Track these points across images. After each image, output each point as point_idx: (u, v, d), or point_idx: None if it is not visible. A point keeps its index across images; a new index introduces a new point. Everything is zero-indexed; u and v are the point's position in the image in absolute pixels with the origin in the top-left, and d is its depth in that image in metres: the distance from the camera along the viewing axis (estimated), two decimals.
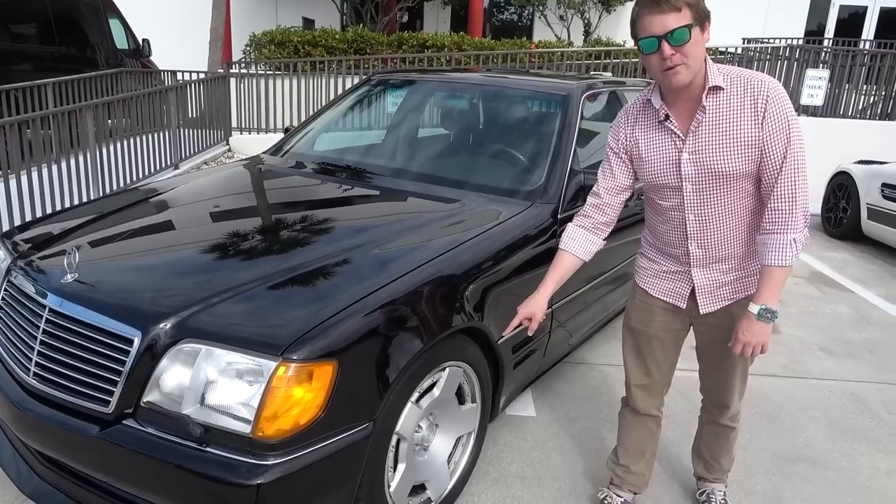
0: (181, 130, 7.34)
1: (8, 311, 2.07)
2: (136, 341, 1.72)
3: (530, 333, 2.00)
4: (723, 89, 1.74)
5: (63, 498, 1.89)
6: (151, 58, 10.87)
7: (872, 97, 8.75)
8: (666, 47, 1.64)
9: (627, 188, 1.99)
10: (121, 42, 10.12)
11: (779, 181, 1.71)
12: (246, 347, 1.65)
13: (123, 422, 1.72)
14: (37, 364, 1.87)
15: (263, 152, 3.43)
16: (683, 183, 1.82)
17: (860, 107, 8.88)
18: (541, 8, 11.73)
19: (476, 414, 2.27)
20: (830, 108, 8.86)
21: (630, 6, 11.53)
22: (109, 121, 6.12)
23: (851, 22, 14.87)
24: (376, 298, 1.83)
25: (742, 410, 2.17)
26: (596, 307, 3.10)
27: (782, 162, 1.70)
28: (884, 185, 5.83)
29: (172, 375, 1.70)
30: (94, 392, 1.75)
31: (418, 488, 2.10)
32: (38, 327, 1.89)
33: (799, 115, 8.66)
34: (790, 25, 14.44)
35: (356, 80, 8.97)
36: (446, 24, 14.57)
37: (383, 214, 2.48)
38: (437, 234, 2.26)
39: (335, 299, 1.79)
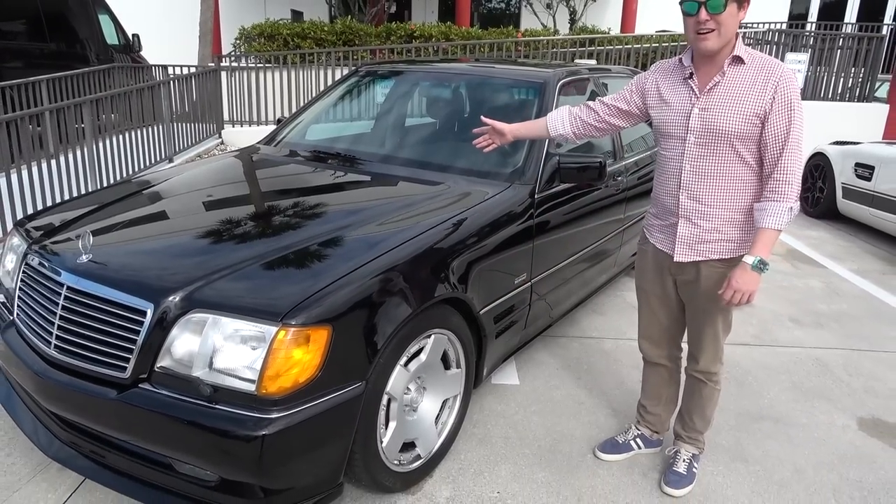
0: (174, 124, 7.47)
1: (27, 290, 2.24)
2: (149, 313, 1.90)
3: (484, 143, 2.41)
4: (744, 63, 1.99)
5: (83, 460, 2.08)
6: (142, 53, 10.96)
7: (850, 79, 8.95)
8: (703, 12, 1.89)
9: (620, 116, 2.32)
10: (111, 37, 10.20)
11: (781, 158, 1.94)
12: (249, 315, 1.83)
13: (139, 385, 1.90)
14: (57, 337, 2.05)
15: (258, 142, 3.60)
16: (689, 135, 2.07)
17: (839, 90, 9.07)
18: None
19: (461, 379, 2.47)
20: (811, 91, 9.06)
21: None
22: (103, 116, 6.25)
23: (834, 6, 15.05)
24: (366, 270, 2.01)
25: (720, 376, 2.36)
26: (574, 283, 3.29)
27: (785, 141, 1.94)
28: (857, 164, 6.04)
29: (183, 343, 1.88)
30: (111, 360, 1.94)
31: (409, 446, 2.30)
32: (56, 304, 2.07)
33: None
34: (774, 10, 14.61)
35: (345, 72, 9.11)
36: (434, 15, 14.68)
37: (373, 197, 2.67)
38: (422, 213, 2.44)
39: (328, 272, 1.98)
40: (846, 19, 14.83)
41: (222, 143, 8.69)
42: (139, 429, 1.89)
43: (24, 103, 6.95)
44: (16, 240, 2.51)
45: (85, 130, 5.68)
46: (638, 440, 2.58)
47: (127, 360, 1.91)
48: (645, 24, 12.91)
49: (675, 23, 11.59)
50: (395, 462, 2.22)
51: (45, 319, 2.11)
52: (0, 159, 4.66)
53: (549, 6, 11.73)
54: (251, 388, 1.80)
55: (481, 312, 2.47)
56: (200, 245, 2.19)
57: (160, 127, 7.22)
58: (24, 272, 2.29)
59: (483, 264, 2.45)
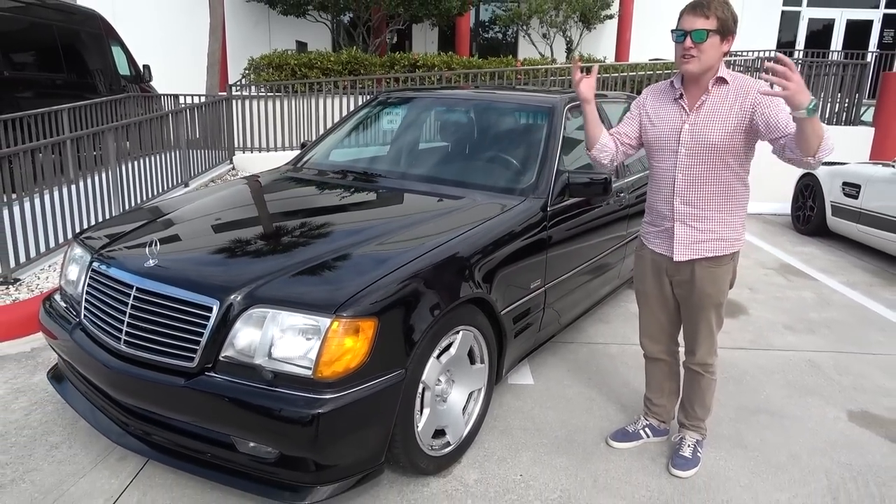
0: (189, 151, 7.76)
1: (95, 294, 2.48)
2: (215, 309, 2.15)
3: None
4: (727, 83, 2.27)
5: (148, 445, 2.31)
6: (152, 83, 11.33)
7: (837, 104, 9.32)
8: (688, 41, 2.21)
9: (629, 138, 2.56)
10: (123, 68, 10.56)
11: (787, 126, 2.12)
12: (306, 309, 2.08)
13: (205, 373, 2.14)
14: (126, 333, 2.29)
15: (286, 164, 3.88)
16: (680, 147, 2.34)
17: (828, 114, 9.43)
18: (525, 27, 12.29)
19: (485, 373, 2.71)
20: None
21: (609, 24, 12.12)
22: (126, 143, 6.54)
23: (820, 34, 15.59)
24: (405, 271, 2.27)
25: (715, 367, 2.58)
26: (580, 293, 3.53)
27: (787, 120, 2.12)
28: (844, 183, 6.35)
29: (245, 335, 2.13)
30: (179, 351, 2.18)
31: (439, 433, 2.53)
32: (126, 304, 2.32)
33: None
34: (763, 38, 15.12)
35: (351, 100, 9.45)
36: (434, 45, 15.12)
37: (404, 209, 2.94)
38: (449, 222, 2.71)
39: (372, 272, 2.23)
40: (832, 47, 15.35)
41: (233, 168, 8.98)
42: (206, 412, 2.12)
43: (46, 132, 7.24)
44: (78, 251, 2.76)
45: (108, 156, 5.95)
46: (647, 429, 2.81)
47: (194, 350, 2.15)
48: (638, 53, 13.36)
49: (666, 51, 12.03)
50: (429, 447, 2.45)
51: (114, 318, 2.36)
52: (25, 185, 4.91)
53: (545, 36, 12.16)
54: (308, 372, 2.04)
55: (502, 313, 2.72)
56: (255, 250, 2.45)
57: (176, 153, 7.50)
58: (91, 278, 2.53)
59: (503, 269, 2.71)
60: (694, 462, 2.62)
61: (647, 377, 2.84)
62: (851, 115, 9.32)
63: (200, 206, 3.06)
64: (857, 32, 15.34)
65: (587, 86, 2.47)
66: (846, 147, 8.73)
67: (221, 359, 2.14)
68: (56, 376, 2.85)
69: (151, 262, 2.36)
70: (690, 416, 2.69)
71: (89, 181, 5.54)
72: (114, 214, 5.79)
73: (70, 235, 5.08)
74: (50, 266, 4.75)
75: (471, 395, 2.68)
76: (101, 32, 10.02)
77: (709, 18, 2.18)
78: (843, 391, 3.37)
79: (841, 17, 15.43)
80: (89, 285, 2.54)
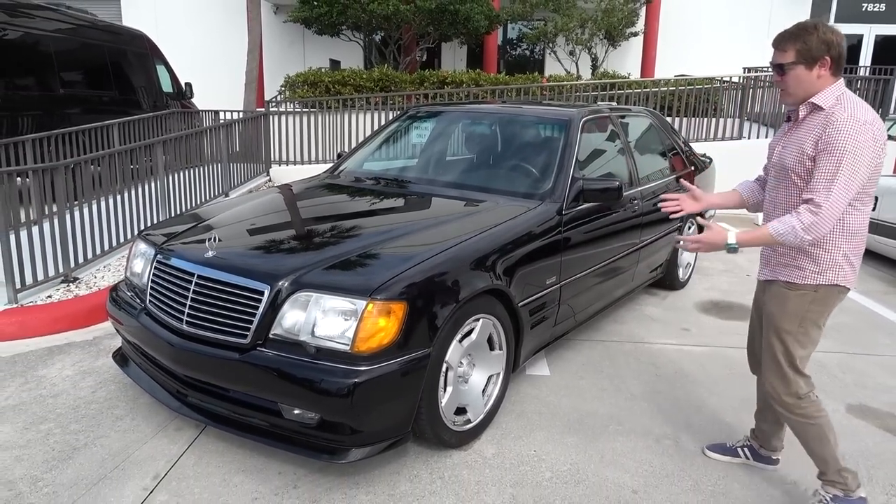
0: (230, 164, 8.21)
1: (159, 282, 2.83)
2: (266, 293, 2.47)
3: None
4: (823, 110, 2.17)
5: (197, 414, 2.64)
6: (192, 99, 11.90)
7: None
8: (775, 74, 2.25)
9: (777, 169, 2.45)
10: (167, 86, 11.14)
11: (815, 190, 2.11)
12: (345, 293, 2.39)
13: (257, 348, 2.46)
14: (188, 314, 2.62)
15: (324, 172, 4.22)
16: (771, 169, 2.38)
17: None
18: (551, 45, 12.62)
19: (503, 359, 2.98)
20: None
21: (634, 41, 12.37)
22: (164, 156, 6.98)
23: (850, 49, 15.60)
24: (432, 262, 2.57)
25: (802, 410, 2.32)
26: (593, 293, 3.78)
27: (822, 177, 2.09)
28: None
29: (292, 315, 2.44)
30: (234, 329, 2.50)
31: (461, 411, 2.81)
32: (188, 289, 2.66)
33: None
34: None
35: (382, 115, 9.85)
36: (462, 62, 15.54)
37: (430, 210, 3.25)
38: (473, 222, 3.01)
39: (403, 262, 2.54)
40: (861, 62, 15.37)
41: (270, 180, 9.42)
42: (258, 381, 2.43)
43: (96, 145, 7.75)
44: (142, 246, 3.12)
45: (157, 167, 6.39)
46: (746, 449, 2.75)
47: (247, 329, 2.48)
48: (663, 70, 13.58)
49: (691, 68, 12.25)
50: (451, 422, 2.73)
51: (177, 302, 2.70)
52: (82, 192, 5.34)
53: (571, 53, 12.46)
54: (346, 348, 2.35)
55: (520, 305, 3.00)
56: (299, 244, 2.78)
57: (218, 166, 7.95)
58: (156, 269, 2.88)
59: (520, 265, 3.00)
60: None
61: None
62: None
63: (248, 208, 3.41)
64: (887, 48, 15.34)
65: (694, 205, 2.51)
66: None
67: (271, 336, 2.46)
68: (120, 358, 3.21)
69: (210, 254, 2.70)
70: (763, 440, 2.68)
71: (139, 190, 5.98)
72: (161, 219, 6.22)
73: (122, 240, 5.50)
74: (105, 266, 5.15)
75: (490, 378, 2.95)
76: (147, 52, 10.61)
77: (786, 52, 2.17)
78: (845, 387, 3.56)
79: (870, 33, 15.46)
80: (154, 275, 2.89)
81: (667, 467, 2.73)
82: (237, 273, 2.57)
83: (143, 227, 5.88)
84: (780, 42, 2.20)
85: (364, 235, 2.83)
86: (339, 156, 4.50)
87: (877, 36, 15.43)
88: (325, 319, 2.40)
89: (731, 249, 2.23)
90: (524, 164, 3.72)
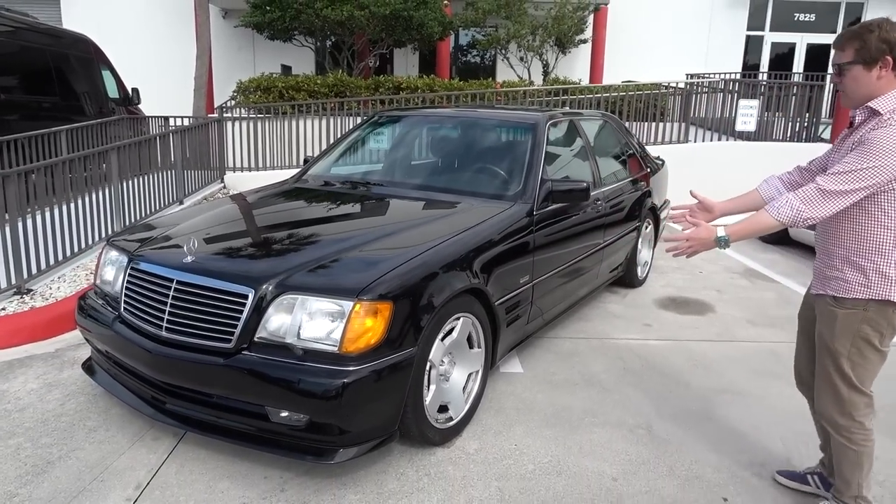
0: (184, 171, 8.04)
1: (134, 289, 2.79)
2: (250, 297, 2.47)
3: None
4: (881, 115, 2.05)
5: (177, 420, 2.61)
6: (139, 105, 11.59)
7: (798, 123, 9.91)
8: (835, 75, 2.17)
9: (815, 167, 2.43)
10: (112, 91, 10.82)
11: (827, 173, 2.04)
12: (331, 294, 2.41)
13: (242, 352, 2.45)
14: (168, 320, 2.59)
15: (291, 177, 4.21)
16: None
17: (788, 133, 10.02)
18: (503, 51, 12.81)
19: (482, 357, 3.05)
20: (764, 133, 9.99)
21: (584, 48, 12.64)
22: (104, 165, 6.76)
23: (783, 57, 16.38)
24: (415, 263, 2.62)
25: (852, 433, 2.23)
26: (561, 292, 3.88)
27: (841, 164, 2.02)
28: None
29: (277, 318, 2.45)
30: (218, 334, 2.49)
31: (443, 409, 2.85)
32: (167, 295, 2.63)
33: (735, 140, 9.78)
34: (731, 61, 15.87)
35: (339, 121, 9.82)
36: (415, 68, 15.60)
37: (408, 212, 3.29)
38: (451, 223, 3.07)
39: (387, 263, 2.58)
40: (794, 69, 16.14)
41: (224, 187, 9.26)
42: (244, 385, 2.43)
43: (39, 153, 7.47)
44: (113, 253, 3.06)
45: (111, 175, 6.22)
46: (815, 477, 2.59)
47: (232, 333, 2.47)
48: (611, 76, 13.96)
49: (637, 74, 12.64)
50: (435, 420, 2.77)
51: (155, 308, 2.66)
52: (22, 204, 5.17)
53: (523, 59, 12.68)
54: (334, 348, 2.37)
55: (497, 303, 3.07)
56: (280, 248, 2.78)
57: (171, 173, 7.78)
58: (130, 276, 2.83)
59: (497, 264, 3.07)
60: None
61: None
62: (811, 133, 9.91)
63: (219, 214, 3.38)
64: (817, 55, 16.15)
65: (705, 217, 2.42)
66: (806, 162, 9.28)
67: (256, 340, 2.46)
68: (90, 368, 3.14)
69: (189, 259, 2.67)
70: (831, 474, 2.47)
71: (92, 198, 5.81)
72: (116, 230, 6.05)
73: (76, 249, 5.34)
74: (60, 277, 4.99)
75: (470, 375, 3.01)
76: (92, 56, 10.29)
77: (844, 51, 2.09)
78: None
79: (802, 41, 16.24)
80: (128, 282, 2.84)
81: (642, 455, 2.84)
82: (219, 277, 2.55)
83: (102, 236, 5.74)
84: (840, 41, 2.11)
85: (344, 238, 2.85)
86: (305, 161, 4.50)
87: (808, 44, 16.22)
88: (312, 321, 2.42)
89: (723, 242, 2.15)
90: (495, 167, 3.80)
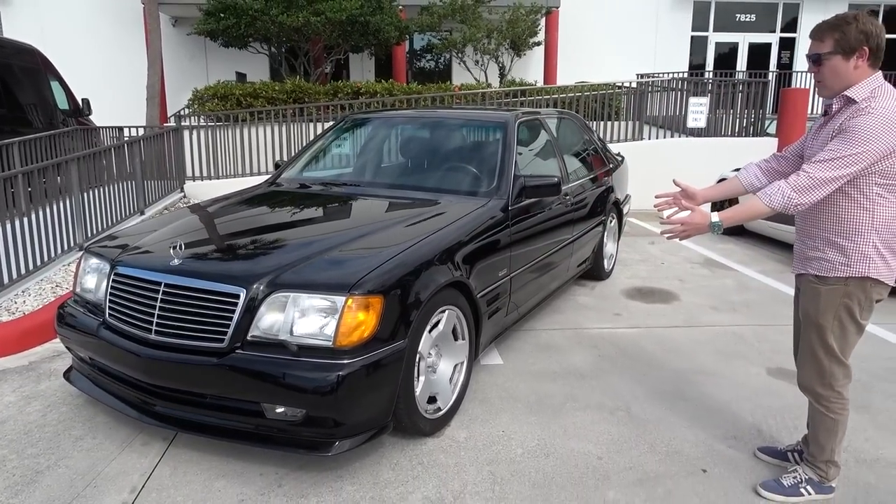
0: (143, 181, 7.91)
1: (119, 294, 2.78)
2: (242, 296, 2.50)
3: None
4: (856, 103, 2.16)
5: (168, 423, 2.62)
6: (91, 116, 11.32)
7: (744, 119, 10.33)
8: (810, 64, 2.24)
9: (790, 154, 2.52)
10: (61, 103, 10.55)
11: (811, 161, 2.14)
12: (323, 291, 2.47)
13: (235, 351, 2.48)
14: (157, 323, 2.60)
15: (265, 181, 4.23)
16: (804, 163, 2.28)
17: (736, 128, 10.42)
18: (459, 54, 12.96)
19: (466, 348, 3.13)
20: (714, 129, 10.38)
21: (538, 51, 12.88)
22: (60, 177, 6.61)
23: (727, 56, 16.99)
24: (403, 258, 2.70)
25: (831, 402, 2.36)
26: (535, 285, 4.01)
27: (828, 147, 2.12)
28: None
29: (269, 316, 2.49)
30: (210, 335, 2.51)
31: (432, 399, 2.93)
32: (155, 298, 2.64)
33: (687, 137, 10.12)
34: (677, 61, 16.38)
35: (300, 127, 9.79)
36: (371, 73, 15.63)
37: (388, 210, 3.36)
38: (433, 220, 3.16)
39: (375, 259, 2.64)
40: (738, 67, 16.75)
41: (185, 196, 9.13)
42: (239, 383, 2.46)
43: None
44: (93, 261, 3.05)
45: (71, 186, 6.09)
46: (796, 454, 2.68)
47: (224, 333, 2.50)
48: (565, 77, 14.26)
49: (589, 75, 12.95)
50: (425, 410, 2.84)
51: (143, 312, 2.67)
52: None
53: (478, 62, 12.85)
54: (329, 343, 2.42)
55: (479, 296, 3.16)
56: (267, 248, 2.82)
57: (131, 183, 7.64)
58: (114, 281, 2.83)
59: (477, 257, 3.17)
60: (785, 492, 2.48)
61: None
62: (757, 128, 10.34)
63: (198, 219, 3.39)
64: (759, 54, 16.81)
65: (687, 204, 2.46)
66: (754, 156, 9.61)
67: (249, 338, 2.49)
68: (72, 377, 3.11)
69: (177, 262, 2.69)
70: (807, 446, 2.56)
71: (51, 210, 5.68)
72: (78, 241, 5.93)
73: (38, 262, 5.22)
74: (24, 290, 4.88)
75: (455, 366, 3.10)
76: (39, 67, 10.01)
77: (824, 41, 2.17)
78: (763, 354, 3.97)
79: (744, 41, 16.88)
80: (112, 288, 2.83)
81: (623, 434, 2.97)
82: (209, 279, 2.58)
83: (65, 248, 5.63)
84: (818, 32, 2.18)
85: (330, 236, 2.91)
86: (276, 165, 4.52)
87: (750, 44, 16.87)
88: (305, 318, 2.47)
89: (716, 228, 2.22)
90: (470, 165, 3.90)
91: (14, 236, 5.00)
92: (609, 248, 5.62)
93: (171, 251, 2.73)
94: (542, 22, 13.53)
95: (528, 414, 3.15)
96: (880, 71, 2.20)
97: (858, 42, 2.14)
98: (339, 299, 2.44)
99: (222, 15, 11.02)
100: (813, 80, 2.34)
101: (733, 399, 3.34)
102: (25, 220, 5.30)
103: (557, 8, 14.54)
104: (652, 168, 8.80)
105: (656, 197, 2.62)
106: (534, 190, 3.63)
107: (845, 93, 2.20)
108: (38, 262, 5.25)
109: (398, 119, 4.46)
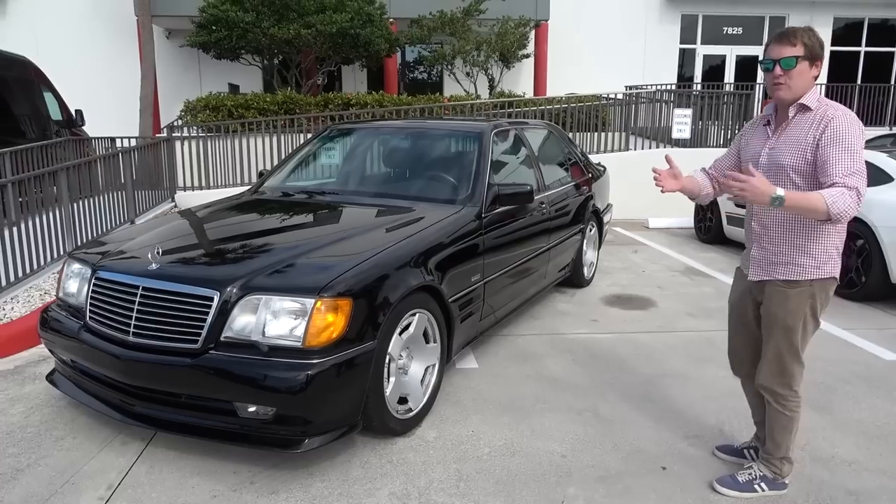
0: (134, 191, 8.01)
1: (100, 298, 2.87)
2: (216, 299, 2.60)
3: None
4: (811, 110, 2.27)
5: (146, 423, 2.71)
6: (84, 127, 11.43)
7: (729, 130, 10.49)
8: (777, 68, 2.25)
9: (727, 168, 2.62)
10: (55, 114, 10.66)
11: (835, 170, 2.15)
12: (294, 293, 2.57)
13: (209, 352, 2.58)
14: (135, 326, 2.69)
15: (247, 189, 4.34)
16: (759, 170, 2.25)
17: (722, 139, 10.58)
18: (449, 66, 13.13)
19: (437, 351, 3.23)
20: (699, 140, 10.53)
21: (527, 63, 13.05)
22: (52, 188, 6.70)
23: (715, 69, 17.21)
24: (372, 262, 2.80)
25: (788, 401, 2.46)
26: (510, 291, 4.10)
27: (836, 160, 2.16)
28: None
29: (242, 318, 2.59)
30: (185, 336, 2.61)
31: (403, 400, 3.02)
32: (133, 301, 2.73)
33: (672, 147, 10.27)
34: (665, 73, 16.58)
35: (290, 138, 9.91)
36: (363, 85, 15.78)
37: (364, 217, 3.47)
38: (404, 226, 3.26)
39: (346, 263, 2.75)
40: (726, 80, 16.97)
41: (175, 206, 9.22)
42: (212, 383, 2.55)
43: None
44: (76, 266, 3.14)
45: (61, 196, 6.19)
46: (752, 451, 2.78)
47: (198, 334, 2.59)
48: (555, 89, 14.43)
49: (578, 87, 13.12)
50: (395, 411, 2.93)
51: (122, 315, 2.76)
52: None
53: (469, 74, 13.01)
54: (298, 343, 2.52)
55: (450, 300, 3.26)
56: (242, 253, 2.93)
57: (121, 193, 7.74)
58: (95, 285, 2.92)
59: (450, 263, 3.27)
60: (739, 487, 2.57)
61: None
62: None
63: (179, 225, 3.49)
64: (746, 66, 17.02)
65: (672, 183, 2.50)
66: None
67: (222, 339, 2.59)
68: (54, 380, 3.19)
69: (154, 266, 2.78)
70: (764, 444, 2.63)
71: (42, 219, 5.77)
72: (69, 250, 6.02)
73: (28, 270, 5.31)
74: (13, 297, 4.96)
75: (427, 369, 3.19)
76: (32, 78, 10.12)
77: (795, 46, 2.22)
78: None
79: (731, 54, 17.10)
80: (93, 292, 2.92)
81: (589, 434, 3.06)
82: (184, 282, 2.67)
83: (55, 256, 5.71)
84: (788, 36, 2.23)
85: (303, 242, 3.01)
86: (259, 174, 4.62)
87: (737, 56, 17.09)
88: (276, 320, 2.56)
89: (778, 201, 2.10)
90: (445, 174, 4.02)
91: (4, 245, 5.10)
92: (589, 255, 5.72)
93: (150, 256, 2.83)
94: (532, 34, 13.73)
95: (498, 415, 3.24)
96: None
97: (819, 53, 2.26)
98: (309, 301, 2.54)
99: (214, 27, 11.17)
100: (768, 84, 2.31)
101: (699, 400, 3.44)
102: (15, 229, 5.39)
103: (547, 21, 14.73)
104: (639, 177, 8.91)
105: (653, 170, 2.57)
106: (508, 198, 3.74)
107: (801, 101, 2.30)
108: (28, 270, 5.33)
109: (379, 129, 4.58)
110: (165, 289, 2.68)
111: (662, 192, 2.53)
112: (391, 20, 12.91)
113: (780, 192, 2.09)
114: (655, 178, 2.51)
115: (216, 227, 3.39)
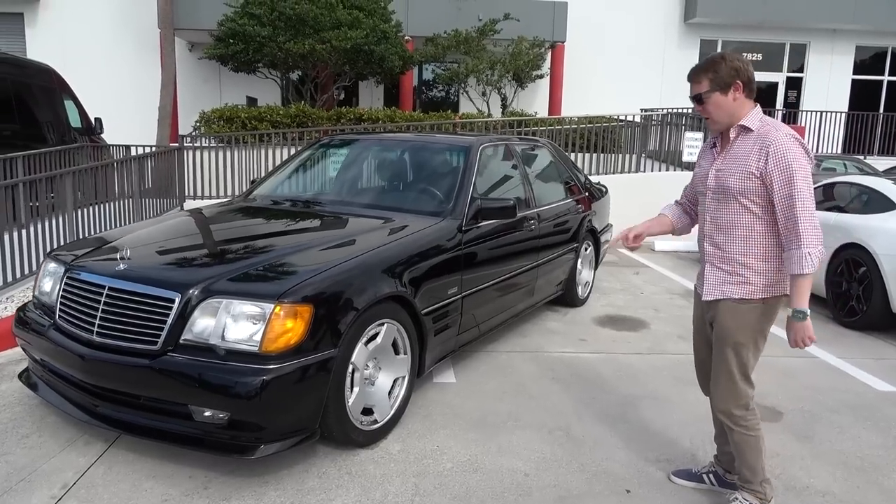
0: (142, 199, 8.12)
1: (69, 297, 2.89)
2: (177, 301, 2.60)
3: (627, 245, 2.52)
4: (752, 131, 2.32)
5: (108, 423, 2.70)
6: (102, 135, 11.66)
7: None
8: (695, 105, 2.41)
9: (692, 195, 2.68)
10: (74, 121, 10.89)
11: (788, 213, 2.23)
12: (254, 298, 2.56)
13: (167, 354, 2.57)
14: (99, 325, 2.70)
15: (237, 196, 4.36)
16: (707, 191, 2.42)
17: None
18: (463, 85, 13.20)
19: (408, 363, 3.19)
20: None
21: (541, 83, 13.05)
22: (52, 195, 6.80)
23: None
24: (337, 270, 2.78)
25: (747, 422, 2.43)
26: (495, 305, 4.06)
27: (788, 198, 2.22)
28: None
29: (202, 321, 2.58)
30: (145, 337, 2.61)
31: (368, 412, 2.98)
32: (99, 301, 2.74)
33: (682, 170, 10.18)
34: (682, 98, 16.49)
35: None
36: (380, 101, 15.92)
37: (340, 226, 3.46)
38: (379, 235, 3.25)
39: (309, 269, 2.74)
40: None
41: None
42: (168, 385, 2.54)
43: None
44: (52, 265, 3.17)
45: (66, 201, 6.29)
46: (711, 476, 2.74)
47: (158, 336, 2.59)
48: (570, 109, 14.42)
49: (594, 108, 13.09)
50: (359, 421, 2.90)
51: (87, 315, 2.77)
52: None
53: (483, 94, 13.07)
54: (255, 348, 2.51)
55: (423, 312, 3.23)
56: (208, 257, 2.94)
57: (129, 200, 7.85)
58: (66, 285, 2.94)
59: (423, 275, 3.24)
60: None
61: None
62: None
63: (159, 229, 3.52)
64: (767, 93, 16.89)
65: (637, 241, 2.61)
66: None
67: (181, 342, 2.58)
68: (27, 379, 3.21)
69: (121, 267, 2.80)
70: (738, 473, 2.56)
71: (46, 224, 5.87)
72: None
73: (27, 272, 5.39)
74: (8, 297, 5.03)
75: (396, 381, 3.15)
76: (55, 86, 10.37)
77: (701, 82, 2.34)
78: None
79: None
80: (64, 291, 2.94)
81: (556, 454, 3.00)
82: (147, 283, 2.68)
83: None
84: (695, 75, 2.37)
85: (274, 249, 3.01)
86: (252, 182, 4.66)
87: (757, 82, 16.95)
88: (236, 324, 2.55)
89: (801, 315, 2.26)
90: (428, 186, 4.01)
91: (3, 247, 5.19)
92: (584, 275, 5.66)
93: (118, 257, 2.84)
94: (548, 55, 13.77)
95: (467, 431, 3.19)
96: (758, 104, 2.38)
97: (731, 77, 2.32)
98: (268, 306, 2.53)
99: (231, 41, 11.36)
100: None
101: (676, 424, 3.36)
102: (24, 231, 5.49)
103: (563, 42, 14.77)
104: (649, 199, 8.82)
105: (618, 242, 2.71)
106: (490, 212, 3.72)
107: (741, 122, 2.36)
108: (27, 272, 5.41)
109: (370, 142, 4.59)
110: (129, 289, 2.70)
111: (631, 251, 2.56)
112: (407, 38, 13.04)
113: (789, 312, 2.27)
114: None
115: (190, 233, 3.41)
